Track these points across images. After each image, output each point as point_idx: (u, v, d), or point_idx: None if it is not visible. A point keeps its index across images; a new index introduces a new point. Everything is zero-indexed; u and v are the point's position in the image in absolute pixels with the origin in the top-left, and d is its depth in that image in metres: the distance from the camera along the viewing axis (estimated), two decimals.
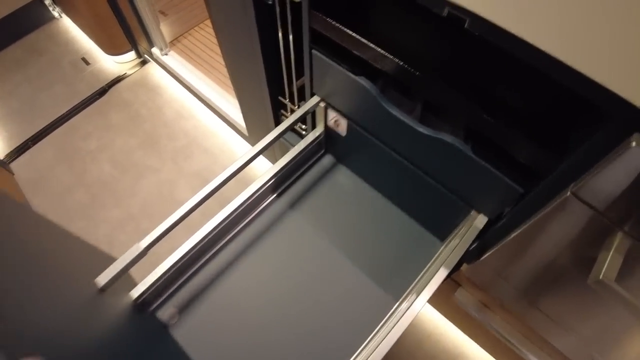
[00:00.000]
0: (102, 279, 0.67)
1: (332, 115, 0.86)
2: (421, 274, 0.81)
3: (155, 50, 1.77)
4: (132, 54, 1.96)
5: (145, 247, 0.70)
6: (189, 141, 1.67)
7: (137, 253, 0.70)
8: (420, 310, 0.67)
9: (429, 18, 0.52)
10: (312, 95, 0.85)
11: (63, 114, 1.83)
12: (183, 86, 1.79)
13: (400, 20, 0.64)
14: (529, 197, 0.57)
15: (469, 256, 0.77)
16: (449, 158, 0.65)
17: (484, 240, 0.72)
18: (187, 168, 1.61)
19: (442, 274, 0.69)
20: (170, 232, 0.72)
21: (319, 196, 0.97)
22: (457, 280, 0.91)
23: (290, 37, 0.79)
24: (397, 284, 0.84)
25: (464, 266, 0.83)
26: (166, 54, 1.75)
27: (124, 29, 1.81)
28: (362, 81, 0.69)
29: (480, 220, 0.72)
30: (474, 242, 0.73)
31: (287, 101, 0.99)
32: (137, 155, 1.67)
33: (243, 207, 0.84)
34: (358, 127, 0.82)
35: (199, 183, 1.55)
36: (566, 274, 0.59)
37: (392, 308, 0.80)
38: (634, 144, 0.39)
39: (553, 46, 0.39)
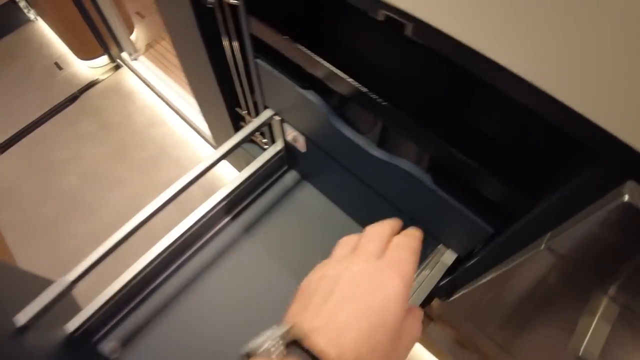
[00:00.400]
0: (23, 316, 0.59)
1: (290, 130, 0.77)
2: None
3: (124, 55, 1.68)
4: (105, 59, 1.88)
5: (73, 280, 0.62)
6: (158, 151, 1.58)
7: (63, 287, 0.62)
8: None
9: (375, 27, 0.42)
10: (265, 108, 0.76)
11: (33, 121, 1.74)
12: (154, 93, 1.70)
13: (350, 30, 0.55)
14: (501, 240, 0.47)
15: (440, 292, 0.67)
16: (407, 186, 0.56)
17: (454, 278, 0.62)
18: (156, 179, 1.51)
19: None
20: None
21: (278, 217, 0.87)
22: (429, 314, 0.81)
23: (236, 44, 0.69)
24: None
25: (436, 301, 0.73)
26: (135, 59, 1.66)
27: (94, 33, 1.72)
28: (310, 95, 0.59)
29: (448, 256, 0.62)
30: (444, 277, 0.63)
31: (244, 113, 0.90)
32: (106, 166, 1.58)
33: (196, 227, 0.75)
34: (315, 145, 0.72)
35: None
36: (545, 333, 0.49)
37: None
38: (626, 197, 0.29)
39: (524, 68, 0.29)
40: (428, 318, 0.83)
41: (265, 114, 0.75)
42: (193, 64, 0.88)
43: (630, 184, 0.29)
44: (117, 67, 1.88)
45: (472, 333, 0.70)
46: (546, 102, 0.29)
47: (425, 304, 0.75)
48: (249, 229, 0.85)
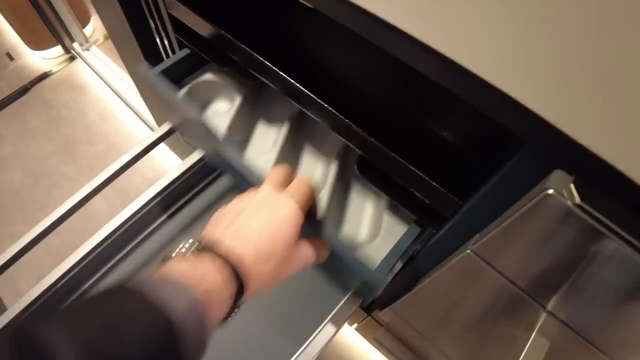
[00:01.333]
0: None
1: None
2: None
3: (75, 45, 1.58)
4: (58, 49, 1.76)
5: None
6: (108, 146, 1.48)
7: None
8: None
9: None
10: None
11: None
12: (107, 85, 1.60)
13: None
14: (430, 243, 0.41)
15: (378, 300, 0.62)
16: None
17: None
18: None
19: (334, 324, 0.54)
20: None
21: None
22: (378, 320, 0.76)
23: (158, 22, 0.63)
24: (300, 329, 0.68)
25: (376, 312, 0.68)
26: (87, 50, 1.56)
27: (44, 21, 1.61)
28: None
29: None
30: None
31: None
32: (53, 163, 1.48)
33: (129, 223, 0.68)
34: None
35: (116, 194, 1.36)
36: (485, 346, 0.44)
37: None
38: (551, 190, 0.24)
39: (440, 43, 0.24)
40: (378, 324, 0.78)
41: None
42: (127, 50, 0.81)
43: (557, 174, 0.24)
44: (72, 58, 1.78)
45: (416, 341, 0.65)
46: (466, 80, 0.24)
47: (371, 310, 0.69)
48: (185, 228, 0.78)
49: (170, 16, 0.53)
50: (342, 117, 0.38)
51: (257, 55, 0.43)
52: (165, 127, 0.66)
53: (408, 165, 0.36)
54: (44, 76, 1.73)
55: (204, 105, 0.63)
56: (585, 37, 0.19)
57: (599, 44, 0.19)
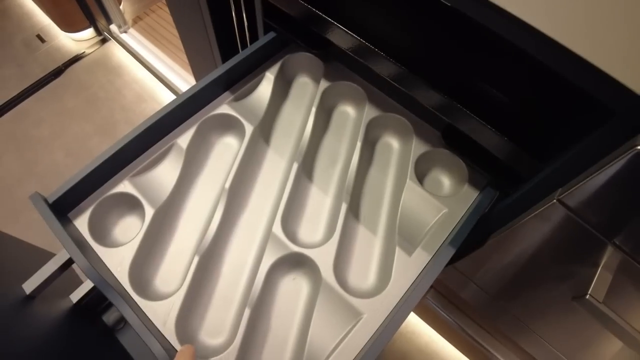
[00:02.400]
0: (29, 285, 0.59)
1: None
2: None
3: (113, 28, 1.64)
4: (90, 31, 1.82)
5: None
6: None
7: (65, 259, 0.62)
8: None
9: None
10: None
11: (12, 97, 1.68)
12: (144, 67, 1.66)
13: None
14: (508, 201, 0.49)
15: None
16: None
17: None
18: None
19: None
20: None
21: None
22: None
23: (244, 14, 0.69)
24: None
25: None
26: (125, 32, 1.62)
27: (79, 3, 1.66)
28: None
29: None
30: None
31: None
32: (93, 143, 1.55)
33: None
34: None
35: None
36: (548, 286, 0.53)
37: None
38: (638, 147, 0.32)
39: (539, 21, 0.31)
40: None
41: None
42: (194, 36, 0.87)
43: None
44: (104, 40, 1.83)
45: (471, 294, 0.73)
46: (563, 57, 0.31)
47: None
48: None
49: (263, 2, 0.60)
50: (436, 91, 0.46)
51: (359, 38, 0.50)
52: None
53: (498, 132, 0.44)
54: (78, 58, 1.79)
55: None
56: None
57: None
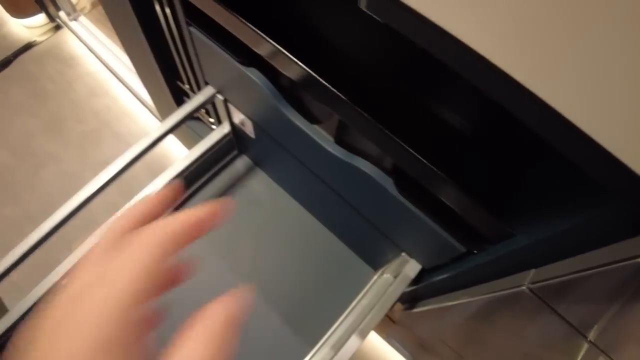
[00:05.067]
0: None
1: (236, 112, 0.66)
2: (340, 319, 0.64)
3: (62, 15, 1.48)
4: (42, 17, 1.65)
5: None
6: (99, 124, 1.41)
7: None
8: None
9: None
10: (206, 84, 0.64)
11: None
12: (97, 58, 1.51)
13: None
14: (473, 262, 0.39)
15: (403, 298, 0.60)
16: (366, 189, 0.47)
17: (418, 289, 0.55)
18: (95, 157, 1.36)
19: (360, 335, 0.52)
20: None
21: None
22: (390, 316, 0.74)
23: (167, 10, 0.57)
24: (314, 327, 0.67)
25: (398, 305, 0.66)
26: (75, 20, 1.46)
27: None
28: (251, 74, 0.49)
29: (412, 267, 0.54)
30: (408, 285, 0.56)
31: (186, 87, 0.77)
32: (39, 141, 1.40)
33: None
34: (264, 131, 0.62)
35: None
36: None
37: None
38: None
39: (506, 58, 0.20)
40: (390, 320, 0.76)
41: (207, 92, 0.64)
42: (126, 31, 0.75)
43: None
44: (58, 27, 1.67)
45: (433, 341, 0.63)
46: (547, 119, 0.20)
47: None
48: None
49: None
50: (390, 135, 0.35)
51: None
52: (173, 120, 0.62)
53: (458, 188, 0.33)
54: (28, 47, 1.63)
55: None
56: None
57: None
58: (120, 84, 1.48)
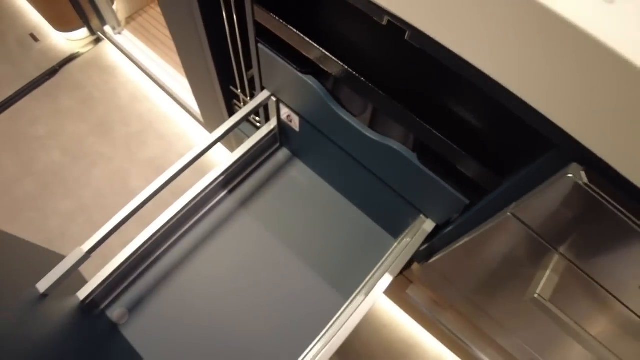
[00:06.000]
0: (43, 284, 0.65)
1: (285, 110, 0.83)
2: (372, 272, 0.80)
3: (107, 29, 1.66)
4: (84, 31, 1.84)
5: (88, 251, 0.67)
6: (143, 126, 1.60)
7: (79, 257, 0.67)
8: (369, 308, 0.66)
9: (375, 25, 0.48)
10: (263, 89, 0.81)
11: (8, 97, 1.71)
12: (138, 67, 1.69)
13: (350, 24, 0.60)
14: (473, 210, 0.56)
15: (419, 256, 0.77)
16: (396, 164, 0.64)
17: (433, 243, 0.72)
18: (141, 155, 1.54)
19: (390, 274, 0.69)
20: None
21: (272, 192, 0.94)
22: (409, 277, 0.91)
23: (237, 28, 0.74)
24: (349, 282, 0.83)
25: (415, 265, 0.83)
26: (119, 33, 1.65)
27: (73, 3, 1.68)
28: (309, 80, 0.66)
29: (428, 225, 0.71)
30: (423, 243, 0.72)
31: (239, 91, 0.94)
32: (89, 142, 1.59)
33: (195, 201, 0.80)
34: (309, 124, 0.79)
35: (152, 172, 1.48)
36: (507, 286, 0.59)
37: (342, 306, 0.79)
38: (570, 175, 0.38)
39: (500, 73, 0.37)
40: (408, 280, 0.93)
41: (263, 95, 0.81)
42: (188, 42, 0.92)
43: (573, 165, 0.38)
44: (98, 40, 1.86)
45: (446, 292, 0.80)
46: (520, 106, 0.37)
47: (406, 268, 0.84)
48: (243, 203, 0.92)
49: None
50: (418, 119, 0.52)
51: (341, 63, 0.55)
52: (227, 126, 0.77)
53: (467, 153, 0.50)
54: (72, 58, 1.81)
55: None
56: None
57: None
58: (159, 90, 1.66)
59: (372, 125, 0.67)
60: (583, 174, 0.38)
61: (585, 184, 0.37)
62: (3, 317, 0.55)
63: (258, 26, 0.66)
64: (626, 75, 0.29)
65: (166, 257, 0.86)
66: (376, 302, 0.67)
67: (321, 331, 0.77)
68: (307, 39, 0.58)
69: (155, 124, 1.60)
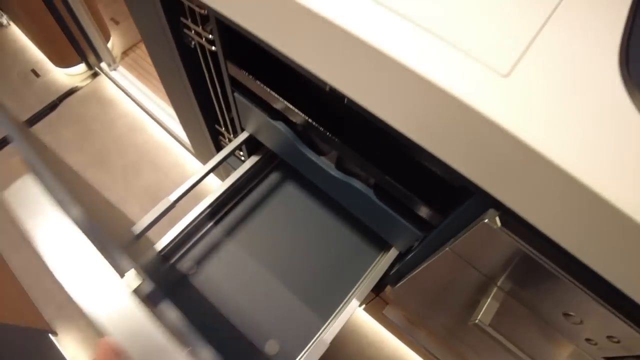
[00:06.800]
0: (138, 227, 0.74)
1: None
2: (349, 293, 0.86)
3: (104, 65, 1.75)
4: (82, 67, 1.93)
5: (174, 201, 0.78)
6: (139, 156, 1.67)
7: (167, 205, 0.77)
8: (340, 327, 0.72)
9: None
10: (242, 130, 0.88)
11: None
12: (133, 101, 1.78)
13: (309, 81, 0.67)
14: (424, 242, 0.62)
15: (390, 280, 0.83)
16: (359, 199, 0.70)
17: (399, 269, 0.78)
18: (137, 185, 1.61)
19: (357, 299, 0.75)
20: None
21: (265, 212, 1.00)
22: (384, 299, 0.97)
23: (215, 79, 0.81)
24: (328, 303, 0.89)
25: (388, 288, 0.89)
26: (115, 70, 1.73)
27: (71, 42, 1.78)
28: (279, 125, 0.73)
29: (393, 252, 0.77)
30: (393, 268, 0.78)
31: (223, 130, 1.02)
32: (88, 172, 1.66)
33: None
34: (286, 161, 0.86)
35: (148, 200, 1.55)
36: (461, 311, 0.65)
37: (321, 328, 0.85)
38: (486, 220, 0.44)
39: (424, 140, 0.43)
40: (384, 302, 0.98)
41: (243, 135, 0.88)
42: (176, 90, 0.99)
43: (490, 211, 0.44)
44: (95, 74, 1.95)
45: (415, 313, 0.85)
46: (442, 166, 0.44)
47: (380, 290, 0.90)
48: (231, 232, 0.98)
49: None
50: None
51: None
52: (215, 161, 0.85)
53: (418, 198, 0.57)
54: (71, 91, 1.90)
55: None
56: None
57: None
58: (154, 122, 1.74)
59: (338, 163, 0.73)
60: (497, 218, 0.44)
61: (500, 228, 0.44)
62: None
63: (232, 78, 0.73)
64: (513, 142, 0.35)
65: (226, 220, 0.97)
66: (350, 320, 0.72)
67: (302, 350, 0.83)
68: (272, 92, 0.65)
69: (150, 154, 1.68)
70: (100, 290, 0.33)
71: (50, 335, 1.34)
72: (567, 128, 0.35)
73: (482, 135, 0.37)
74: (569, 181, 0.34)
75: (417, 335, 0.95)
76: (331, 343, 0.70)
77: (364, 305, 1.21)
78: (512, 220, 0.43)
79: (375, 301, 1.02)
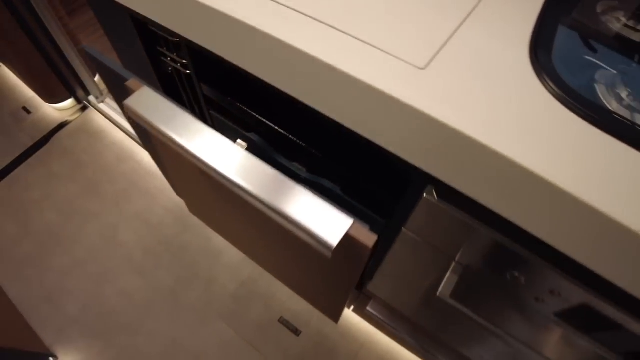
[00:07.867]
0: None
1: None
2: None
3: (91, 98, 1.83)
4: (71, 101, 2.01)
5: None
6: (128, 184, 1.73)
7: None
8: None
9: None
10: None
11: (5, 166, 1.85)
12: (121, 130, 1.85)
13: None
14: (387, 230, 0.68)
15: (369, 273, 0.88)
16: (329, 196, 0.77)
17: (374, 260, 0.84)
18: (128, 210, 1.67)
19: None
20: None
21: None
22: (367, 294, 1.02)
23: (192, 100, 0.89)
24: None
25: (370, 283, 0.94)
26: (102, 102, 1.81)
27: (60, 78, 1.86)
28: (252, 137, 0.80)
29: None
30: (368, 261, 0.84)
31: None
32: (80, 202, 1.71)
33: None
34: None
35: (139, 224, 1.61)
36: (429, 289, 0.71)
37: None
38: (425, 194, 0.51)
39: (362, 129, 0.50)
40: (367, 297, 1.04)
41: None
42: None
43: (427, 188, 0.51)
44: (84, 107, 2.02)
45: (396, 303, 0.91)
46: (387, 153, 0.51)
47: (363, 287, 0.96)
48: None
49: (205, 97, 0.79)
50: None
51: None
52: None
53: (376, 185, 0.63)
54: (62, 126, 1.97)
55: None
56: None
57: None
58: (141, 149, 1.81)
59: (310, 165, 0.80)
60: (434, 191, 0.51)
61: (437, 200, 0.50)
62: None
63: (207, 98, 0.81)
64: (433, 123, 0.42)
65: None
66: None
67: None
68: (241, 106, 0.73)
69: (139, 181, 1.74)
70: None
71: (50, 358, 1.36)
72: (478, 105, 0.42)
73: (405, 119, 0.44)
74: (481, 149, 0.41)
75: (402, 328, 1.00)
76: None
77: (352, 307, 1.26)
78: (447, 193, 0.50)
79: (360, 298, 1.07)
